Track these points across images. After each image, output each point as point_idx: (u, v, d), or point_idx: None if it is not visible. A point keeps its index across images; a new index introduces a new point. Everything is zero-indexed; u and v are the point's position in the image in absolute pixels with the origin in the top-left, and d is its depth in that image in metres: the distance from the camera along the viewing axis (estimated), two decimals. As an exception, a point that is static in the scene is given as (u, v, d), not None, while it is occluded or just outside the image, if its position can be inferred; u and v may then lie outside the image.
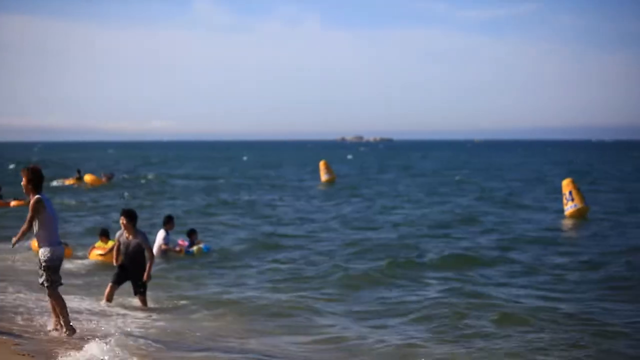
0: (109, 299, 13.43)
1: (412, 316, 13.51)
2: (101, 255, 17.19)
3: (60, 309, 10.34)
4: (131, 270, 13.23)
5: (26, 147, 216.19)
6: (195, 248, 19.99)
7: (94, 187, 45.71)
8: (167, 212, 26.56)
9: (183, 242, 20.27)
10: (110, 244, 17.59)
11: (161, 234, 19.73)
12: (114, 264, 13.51)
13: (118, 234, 13.38)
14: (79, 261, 18.88)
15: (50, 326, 10.72)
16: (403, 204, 36.12)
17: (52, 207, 10.11)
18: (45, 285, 10.25)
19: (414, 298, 15.04)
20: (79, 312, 12.54)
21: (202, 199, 39.01)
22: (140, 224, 13.73)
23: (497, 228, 26.63)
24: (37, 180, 10.03)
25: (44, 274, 10.17)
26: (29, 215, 9.90)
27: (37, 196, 9.94)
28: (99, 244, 19.10)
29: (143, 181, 53.93)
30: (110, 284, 13.45)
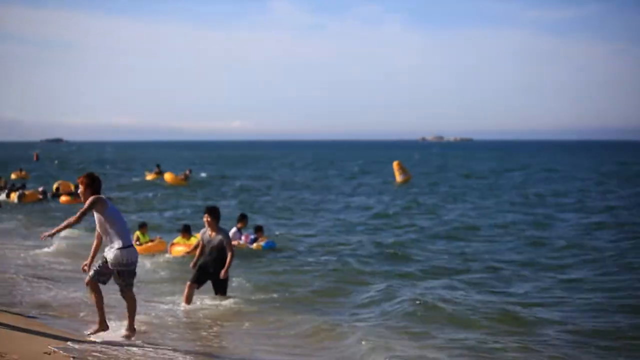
0: (188, 300, 13.07)
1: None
2: (187, 252, 17.25)
3: (133, 308, 9.95)
4: (212, 269, 13.02)
5: (117, 146, 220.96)
6: (255, 245, 20.02)
7: (173, 186, 46.04)
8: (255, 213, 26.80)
9: (247, 236, 20.35)
10: (193, 240, 18.52)
11: (232, 230, 19.85)
12: (191, 265, 13.29)
13: (202, 231, 13.24)
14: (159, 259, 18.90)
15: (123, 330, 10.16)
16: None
17: (117, 210, 9.76)
18: (123, 288, 9.83)
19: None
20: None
21: (285, 198, 38.70)
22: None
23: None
24: (95, 186, 9.66)
25: (119, 279, 9.74)
26: (83, 209, 9.48)
27: (97, 196, 9.57)
28: (178, 239, 19.49)
29: (218, 181, 54.07)
30: (188, 283, 13.17)
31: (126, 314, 10.01)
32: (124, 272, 9.65)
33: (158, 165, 52.60)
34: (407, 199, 37.20)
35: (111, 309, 11.27)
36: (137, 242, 19.43)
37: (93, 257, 9.78)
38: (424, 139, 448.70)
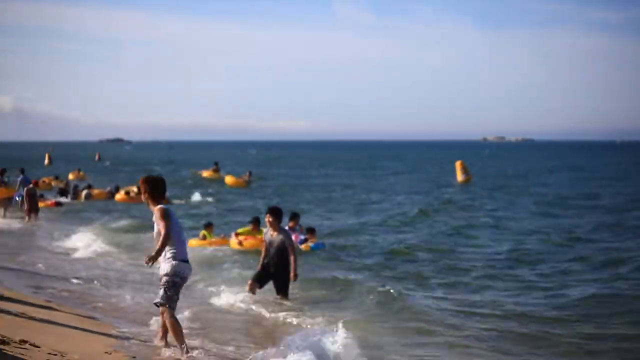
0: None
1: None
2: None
3: (173, 333, 9.03)
4: (273, 269, 13.10)
5: (178, 145, 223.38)
6: (303, 245, 19.97)
7: (234, 188, 46.07)
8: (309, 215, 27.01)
9: (297, 236, 20.16)
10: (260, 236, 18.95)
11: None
12: (258, 267, 13.36)
13: (264, 231, 13.39)
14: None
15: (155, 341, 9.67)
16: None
17: (177, 219, 9.17)
18: (159, 302, 9.03)
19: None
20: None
21: (344, 197, 38.47)
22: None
23: None
24: (156, 190, 9.11)
25: (162, 289, 9.03)
26: (164, 224, 8.86)
27: (161, 206, 9.02)
28: (244, 230, 20.29)
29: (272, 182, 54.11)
30: (250, 281, 13.27)
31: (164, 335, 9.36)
32: (173, 284, 8.95)
33: (216, 163, 52.83)
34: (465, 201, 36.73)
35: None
36: (202, 238, 20.38)
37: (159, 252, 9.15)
38: (485, 139, 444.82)
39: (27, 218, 26.77)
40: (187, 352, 8.88)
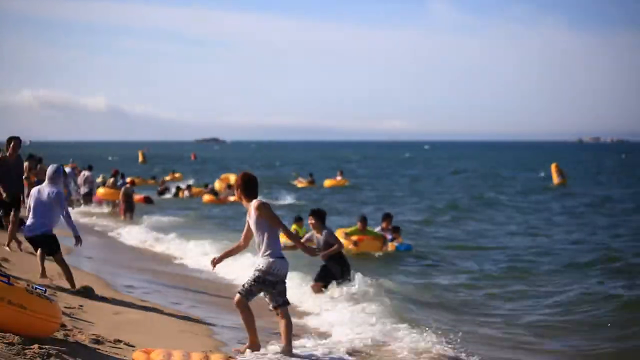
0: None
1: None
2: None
3: (245, 322, 9.06)
4: (333, 269, 13.51)
5: (271, 145, 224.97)
6: (389, 245, 19.53)
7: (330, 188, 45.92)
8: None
9: (386, 236, 19.87)
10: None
11: (376, 229, 19.77)
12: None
13: (308, 235, 13.66)
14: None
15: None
16: None
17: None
18: (238, 290, 9.04)
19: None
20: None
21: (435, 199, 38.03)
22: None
23: None
24: (248, 187, 9.04)
25: (249, 280, 8.95)
26: (274, 221, 8.85)
27: (261, 200, 8.98)
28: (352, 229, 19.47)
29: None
30: (312, 283, 13.61)
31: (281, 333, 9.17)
32: (262, 281, 8.85)
33: (311, 174, 52.82)
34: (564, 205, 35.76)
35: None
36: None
37: (225, 256, 9.30)
38: (581, 141, 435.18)
39: (122, 217, 27.26)
40: (254, 347, 8.94)
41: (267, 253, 8.83)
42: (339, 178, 49.30)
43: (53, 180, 11.24)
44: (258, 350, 8.97)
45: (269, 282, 8.83)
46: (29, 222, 11.22)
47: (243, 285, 8.97)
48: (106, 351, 7.46)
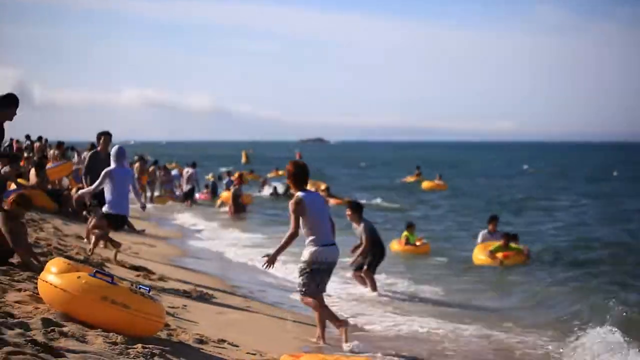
0: (373, 287, 13.89)
1: None
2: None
3: (316, 317, 9.36)
4: (370, 256, 13.87)
5: (376, 146, 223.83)
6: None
7: (432, 191, 45.02)
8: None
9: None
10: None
11: (482, 232, 19.26)
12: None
13: (353, 226, 13.97)
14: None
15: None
16: None
17: (317, 204, 9.25)
18: (299, 290, 9.33)
19: None
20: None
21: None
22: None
23: None
24: (298, 176, 9.28)
25: (299, 276, 9.29)
26: (291, 218, 9.15)
27: (297, 195, 9.18)
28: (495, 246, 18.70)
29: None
30: (354, 272, 14.05)
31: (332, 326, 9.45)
32: (310, 271, 9.11)
33: (418, 167, 52.48)
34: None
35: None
36: (407, 243, 19.21)
37: (281, 250, 9.28)
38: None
39: (231, 217, 27.51)
40: (342, 324, 9.27)
41: (308, 243, 9.14)
42: (437, 181, 48.52)
43: (121, 161, 12.28)
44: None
45: (317, 271, 9.09)
46: (116, 200, 12.15)
47: (298, 284, 9.29)
48: (210, 351, 7.45)
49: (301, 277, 9.21)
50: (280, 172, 54.23)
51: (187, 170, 32.92)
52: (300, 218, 9.10)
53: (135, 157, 36.31)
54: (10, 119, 9.92)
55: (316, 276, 9.13)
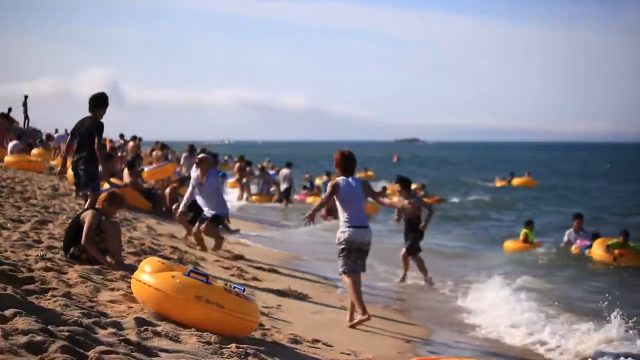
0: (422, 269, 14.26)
1: None
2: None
3: (350, 296, 9.85)
4: (408, 231, 14.33)
5: (471, 146, 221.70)
6: (587, 251, 18.49)
7: (525, 188, 44.59)
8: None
9: (582, 241, 18.93)
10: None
11: (568, 231, 19.39)
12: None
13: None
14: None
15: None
16: None
17: (351, 189, 9.84)
18: (339, 270, 9.94)
19: None
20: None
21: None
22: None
23: None
24: (343, 164, 9.99)
25: (338, 257, 9.91)
26: (327, 191, 10.06)
27: (335, 179, 10.02)
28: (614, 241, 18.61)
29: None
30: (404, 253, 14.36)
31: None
32: (342, 251, 9.75)
33: (512, 174, 51.70)
34: None
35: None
36: (526, 240, 19.42)
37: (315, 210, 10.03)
38: None
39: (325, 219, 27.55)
40: (365, 314, 9.56)
41: (341, 225, 9.79)
42: (527, 178, 47.57)
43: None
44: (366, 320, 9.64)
45: (349, 250, 9.69)
46: (215, 205, 13.22)
47: (340, 264, 9.87)
48: (304, 351, 7.39)
49: (339, 258, 9.85)
50: (370, 173, 54.05)
51: (283, 171, 33.18)
52: (335, 198, 9.86)
53: (235, 158, 36.76)
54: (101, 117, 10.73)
55: (350, 255, 9.72)
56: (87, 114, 10.69)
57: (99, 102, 10.83)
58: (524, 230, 19.62)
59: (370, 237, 9.88)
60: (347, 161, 9.98)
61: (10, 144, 24.45)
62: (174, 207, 13.55)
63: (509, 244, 19.51)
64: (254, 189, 34.14)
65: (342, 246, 9.74)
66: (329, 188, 9.98)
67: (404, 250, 14.40)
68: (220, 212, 13.52)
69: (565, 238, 19.03)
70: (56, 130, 36.14)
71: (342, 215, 9.79)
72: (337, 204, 9.85)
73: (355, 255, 9.75)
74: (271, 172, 37.07)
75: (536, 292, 13.28)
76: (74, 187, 17.89)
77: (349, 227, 9.72)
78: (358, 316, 9.72)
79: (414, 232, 14.30)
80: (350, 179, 9.90)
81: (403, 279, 14.30)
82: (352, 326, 9.68)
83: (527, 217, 22.56)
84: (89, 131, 10.62)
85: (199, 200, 13.54)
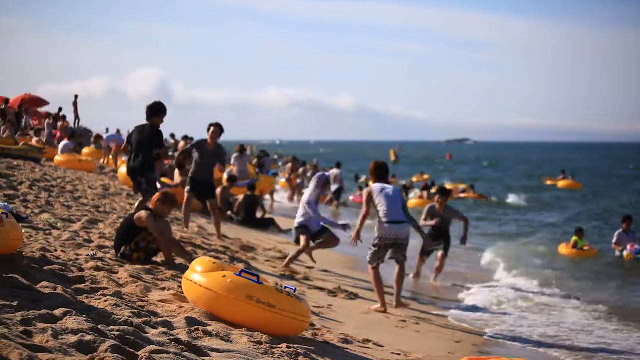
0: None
1: None
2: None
3: (375, 285, 10.67)
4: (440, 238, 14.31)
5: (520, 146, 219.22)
6: (625, 252, 18.19)
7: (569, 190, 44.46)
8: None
9: (633, 246, 18.41)
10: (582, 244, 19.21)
11: (617, 232, 19.18)
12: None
13: (428, 207, 14.61)
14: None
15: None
16: None
17: (386, 191, 10.76)
18: (367, 258, 10.85)
19: None
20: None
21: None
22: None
23: None
24: (376, 173, 11.14)
25: (370, 247, 10.83)
26: (364, 202, 10.87)
27: (369, 187, 11.03)
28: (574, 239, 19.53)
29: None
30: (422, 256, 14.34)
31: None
32: (374, 245, 10.71)
33: (563, 171, 51.23)
34: None
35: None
36: (574, 247, 19.31)
37: (359, 227, 10.78)
38: None
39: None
40: (383, 307, 10.44)
41: (378, 221, 10.68)
42: (571, 181, 47.36)
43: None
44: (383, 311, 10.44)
45: (383, 244, 10.65)
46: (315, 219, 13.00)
47: (369, 255, 10.81)
48: (355, 351, 7.31)
49: (370, 248, 10.80)
50: (426, 176, 53.84)
51: (333, 172, 33.21)
52: (371, 203, 10.77)
53: (285, 157, 36.84)
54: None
55: (380, 250, 10.70)
56: (138, 113, 10.89)
57: (157, 110, 11.25)
58: (574, 238, 19.52)
59: (407, 231, 10.67)
60: (381, 170, 11.16)
61: (61, 144, 24.73)
62: (301, 240, 12.91)
63: (562, 249, 19.54)
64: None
65: (376, 241, 10.70)
66: (364, 197, 10.88)
67: (442, 253, 14.35)
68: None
69: (615, 239, 18.85)
70: (107, 130, 36.60)
71: (379, 213, 10.64)
72: (375, 206, 10.71)
73: (387, 249, 10.72)
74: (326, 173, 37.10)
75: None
76: (124, 187, 18.07)
77: (385, 222, 10.60)
78: (376, 305, 10.53)
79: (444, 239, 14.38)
80: (384, 185, 10.90)
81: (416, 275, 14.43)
82: (375, 310, 10.42)
83: (577, 225, 22.14)
84: (148, 138, 11.24)
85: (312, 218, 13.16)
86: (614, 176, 62.50)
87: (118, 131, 35.35)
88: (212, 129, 13.53)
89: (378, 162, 11.35)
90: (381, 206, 10.63)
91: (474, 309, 11.88)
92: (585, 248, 19.17)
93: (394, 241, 10.66)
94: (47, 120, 31.11)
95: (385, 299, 10.55)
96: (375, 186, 10.89)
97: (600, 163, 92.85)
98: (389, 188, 10.84)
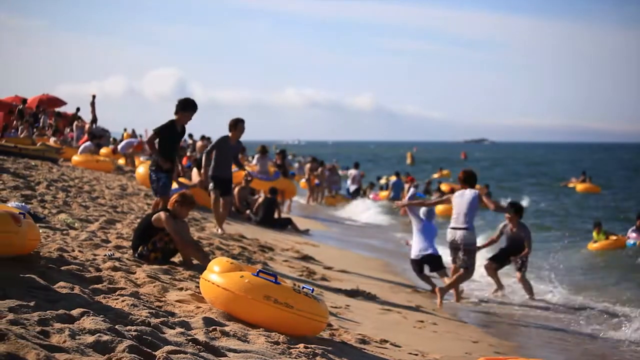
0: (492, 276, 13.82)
1: None
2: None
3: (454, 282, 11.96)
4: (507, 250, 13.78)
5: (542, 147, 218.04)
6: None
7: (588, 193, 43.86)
8: None
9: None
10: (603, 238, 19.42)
11: (630, 229, 19.71)
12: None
13: (502, 225, 13.92)
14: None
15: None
16: None
17: (464, 197, 11.86)
18: (462, 266, 11.81)
19: None
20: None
21: None
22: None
23: None
24: (465, 180, 12.14)
25: (462, 256, 11.80)
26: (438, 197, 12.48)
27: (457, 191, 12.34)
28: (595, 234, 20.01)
29: None
30: (488, 262, 13.76)
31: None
32: (453, 250, 11.90)
33: (584, 173, 50.90)
34: None
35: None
36: (593, 242, 19.66)
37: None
38: None
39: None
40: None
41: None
42: (589, 184, 46.73)
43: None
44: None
45: (449, 247, 11.97)
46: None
47: (463, 262, 11.79)
48: (372, 351, 7.28)
49: (464, 255, 11.78)
50: (445, 172, 53.70)
51: (351, 172, 33.18)
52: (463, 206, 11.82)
53: (309, 158, 36.86)
54: (186, 122, 11.55)
55: (451, 251, 11.99)
56: (155, 113, 10.91)
57: (183, 107, 11.43)
58: (594, 233, 19.91)
59: (461, 236, 11.67)
60: (470, 178, 12.18)
61: (82, 145, 24.83)
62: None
63: (592, 245, 19.73)
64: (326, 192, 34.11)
65: (450, 246, 11.96)
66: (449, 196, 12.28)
67: (487, 261, 13.72)
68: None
69: (628, 235, 19.43)
70: (125, 129, 36.66)
71: (460, 217, 11.77)
72: (455, 207, 11.83)
73: (452, 252, 11.95)
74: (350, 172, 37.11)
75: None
76: (142, 187, 18.06)
77: (450, 228, 11.91)
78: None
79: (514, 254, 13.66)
80: (466, 190, 11.99)
81: (497, 290, 13.59)
82: (456, 300, 12.26)
83: (595, 220, 21.98)
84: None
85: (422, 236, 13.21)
86: (629, 178, 61.85)
87: (133, 132, 35.41)
88: (239, 125, 13.63)
89: (467, 172, 12.39)
90: (454, 212, 11.99)
91: (489, 310, 11.86)
92: (613, 237, 19.39)
93: (451, 245, 11.95)
94: (76, 123, 31.32)
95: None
96: (458, 191, 12.16)
97: (606, 163, 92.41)
98: (468, 194, 11.92)
